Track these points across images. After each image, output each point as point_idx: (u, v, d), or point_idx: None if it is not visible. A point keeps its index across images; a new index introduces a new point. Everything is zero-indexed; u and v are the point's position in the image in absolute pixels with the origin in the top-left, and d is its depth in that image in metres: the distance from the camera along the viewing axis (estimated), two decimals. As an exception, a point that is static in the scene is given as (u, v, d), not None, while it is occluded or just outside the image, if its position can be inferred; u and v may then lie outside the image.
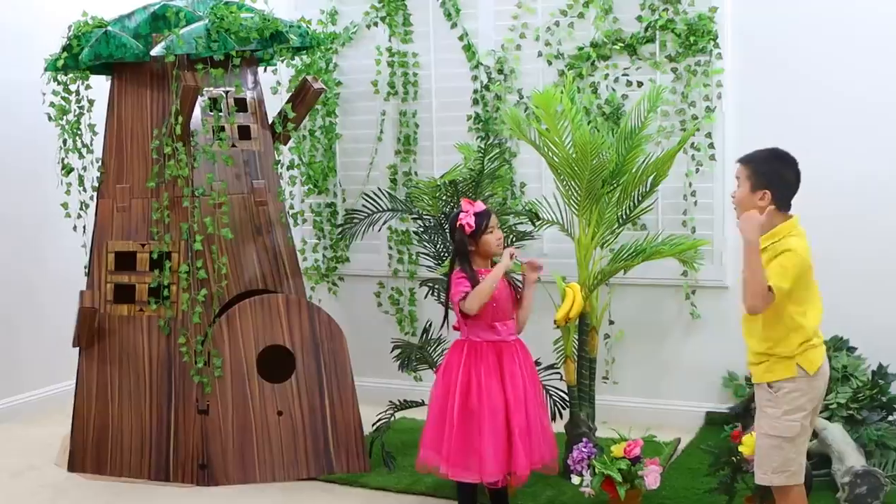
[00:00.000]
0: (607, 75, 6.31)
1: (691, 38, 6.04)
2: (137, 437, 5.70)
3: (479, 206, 4.78)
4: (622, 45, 6.24)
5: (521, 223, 5.99)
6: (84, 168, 5.90)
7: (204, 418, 5.56)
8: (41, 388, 7.09)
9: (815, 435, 5.30)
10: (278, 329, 5.62)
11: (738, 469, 4.74)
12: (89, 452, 5.82)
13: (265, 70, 6.33)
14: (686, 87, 6.11)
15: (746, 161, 4.15)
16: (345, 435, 5.66)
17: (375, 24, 6.88)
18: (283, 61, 6.19)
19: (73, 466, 5.86)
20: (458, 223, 4.74)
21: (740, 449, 4.70)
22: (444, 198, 5.77)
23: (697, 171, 6.12)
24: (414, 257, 6.87)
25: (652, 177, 5.43)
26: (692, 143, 6.08)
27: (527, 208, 5.91)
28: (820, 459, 5.20)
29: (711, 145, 6.09)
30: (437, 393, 4.79)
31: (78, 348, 5.85)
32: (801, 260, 3.98)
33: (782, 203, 4.08)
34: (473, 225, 4.71)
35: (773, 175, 4.07)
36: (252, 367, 5.59)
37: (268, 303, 5.63)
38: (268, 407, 5.59)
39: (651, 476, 4.89)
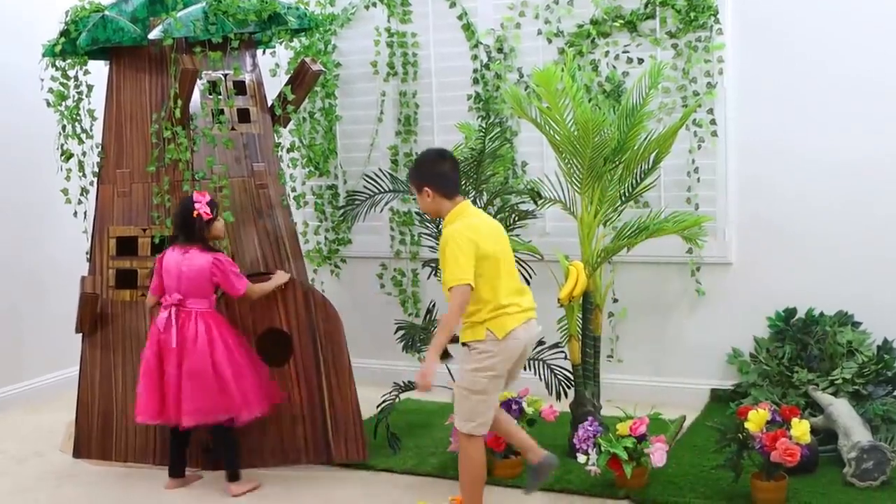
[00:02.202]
0: (608, 52, 6.28)
1: (691, 14, 6.00)
2: (142, 422, 5.70)
3: (207, 196, 5.31)
4: (622, 21, 6.21)
5: (524, 202, 5.97)
6: (84, 153, 5.89)
7: (208, 402, 5.55)
8: (45, 374, 7.10)
9: (820, 410, 5.30)
10: (275, 312, 5.58)
11: (745, 446, 4.73)
12: (94, 438, 5.81)
13: (264, 52, 6.31)
14: (687, 64, 6.08)
15: (408, 175, 4.84)
16: (343, 422, 5.54)
17: (374, 4, 6.85)
18: (281, 43, 6.18)
19: (78, 452, 5.86)
20: (196, 213, 5.23)
21: (747, 426, 4.68)
22: (445, 178, 5.75)
23: (700, 147, 6.10)
24: (416, 238, 6.85)
25: (654, 154, 5.41)
26: (694, 120, 6.05)
27: (528, 187, 5.88)
28: (826, 435, 5.20)
29: (713, 121, 6.06)
30: None
31: (81, 334, 5.84)
32: (461, 240, 4.39)
33: (447, 191, 4.56)
34: (211, 213, 5.26)
35: (426, 172, 4.61)
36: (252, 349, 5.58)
37: (264, 284, 5.60)
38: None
39: (657, 454, 4.88)
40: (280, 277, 5.50)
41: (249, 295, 5.36)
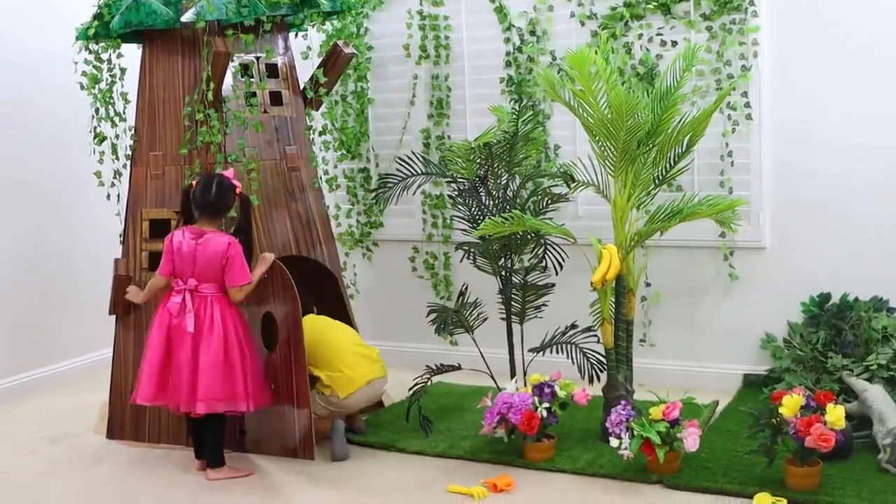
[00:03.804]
0: (641, 35, 6.24)
1: (726, -4, 5.97)
2: (175, 404, 5.71)
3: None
4: (656, 3, 6.17)
5: (556, 185, 5.94)
6: (117, 136, 5.91)
7: (241, 385, 5.54)
8: (78, 356, 7.14)
9: (855, 396, 5.27)
10: (269, 295, 5.49)
11: (779, 431, 4.69)
12: (127, 419, 5.84)
13: (296, 35, 6.30)
14: (721, 46, 6.03)
15: None
16: (301, 417, 5.39)
17: (406, -13, 6.85)
18: (313, 26, 6.16)
19: (111, 433, 5.89)
20: (239, 190, 5.25)
21: (781, 411, 4.65)
22: (478, 161, 5.74)
23: (734, 130, 6.06)
24: (448, 221, 6.84)
25: (688, 137, 5.36)
26: (728, 103, 6.01)
27: (561, 170, 5.86)
28: (860, 421, 5.16)
29: (748, 104, 6.02)
30: None
31: (114, 316, 5.87)
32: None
33: None
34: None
35: None
36: (259, 335, 5.56)
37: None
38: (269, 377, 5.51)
39: (690, 438, 4.86)
40: (266, 260, 5.38)
41: (242, 292, 5.23)
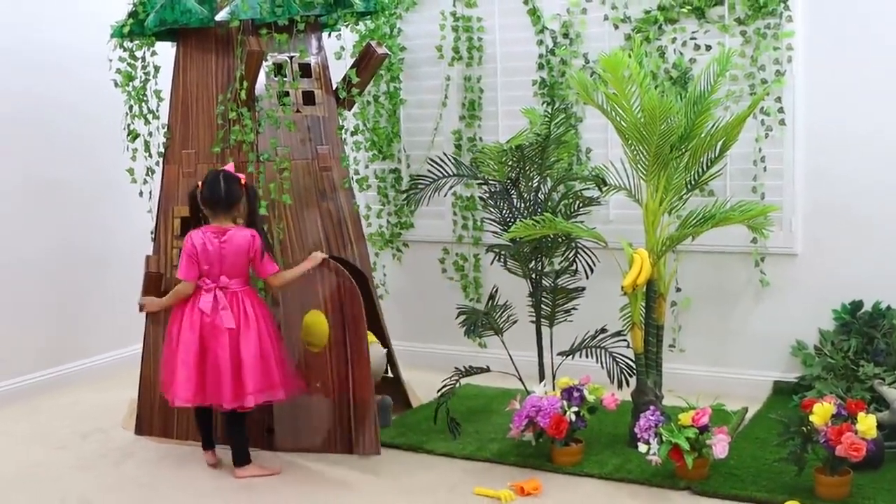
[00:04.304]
0: (675, 39, 6.22)
1: (761, 1, 5.92)
2: (203, 402, 5.72)
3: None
4: (690, 7, 6.14)
5: (588, 189, 5.93)
6: (150, 134, 5.93)
7: (270, 383, 5.55)
8: (108, 352, 7.18)
9: (886, 405, 5.23)
10: (319, 292, 5.48)
11: (809, 439, 4.67)
12: (156, 416, 5.86)
13: (329, 35, 6.31)
14: (755, 51, 6.00)
15: None
16: (361, 413, 5.40)
17: (440, -12, 6.85)
18: (347, 26, 6.17)
19: (140, 429, 5.92)
20: (245, 182, 5.23)
21: (812, 419, 4.62)
22: (510, 163, 5.73)
23: (767, 136, 6.02)
24: (479, 223, 6.84)
25: (721, 142, 5.34)
26: (761, 108, 5.98)
27: (593, 174, 5.85)
28: (891, 430, 5.12)
29: (781, 110, 5.98)
30: None
31: (144, 313, 5.88)
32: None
33: None
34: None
35: None
36: (298, 333, 5.56)
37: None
38: (311, 375, 5.49)
39: (719, 445, 4.83)
40: (314, 258, 5.40)
41: (280, 280, 5.30)
